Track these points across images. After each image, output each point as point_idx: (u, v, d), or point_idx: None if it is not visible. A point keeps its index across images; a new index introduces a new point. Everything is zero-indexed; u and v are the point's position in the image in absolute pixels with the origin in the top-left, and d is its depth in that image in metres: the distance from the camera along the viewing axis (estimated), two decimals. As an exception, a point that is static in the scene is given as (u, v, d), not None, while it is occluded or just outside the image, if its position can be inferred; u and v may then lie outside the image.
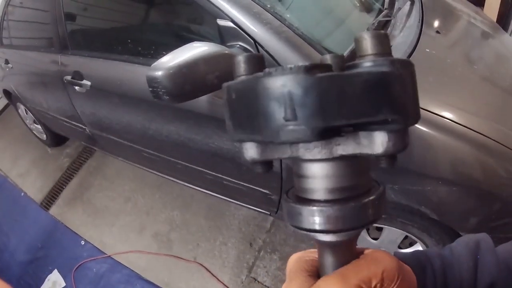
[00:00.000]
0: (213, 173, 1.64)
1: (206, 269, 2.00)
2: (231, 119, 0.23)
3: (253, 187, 1.54)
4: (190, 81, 1.00)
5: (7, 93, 3.14)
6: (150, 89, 1.03)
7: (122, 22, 1.77)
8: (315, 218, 0.22)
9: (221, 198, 1.84)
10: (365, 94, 0.20)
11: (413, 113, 0.22)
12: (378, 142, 0.21)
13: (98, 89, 1.75)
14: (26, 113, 3.18)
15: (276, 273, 1.90)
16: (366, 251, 0.27)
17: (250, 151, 0.24)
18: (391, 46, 0.23)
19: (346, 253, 0.25)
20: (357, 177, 0.23)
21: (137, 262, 2.16)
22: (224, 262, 2.01)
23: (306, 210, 0.22)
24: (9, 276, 2.50)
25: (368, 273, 0.24)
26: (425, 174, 1.07)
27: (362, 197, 0.22)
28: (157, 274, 2.08)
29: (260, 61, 0.23)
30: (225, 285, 1.93)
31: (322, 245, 0.25)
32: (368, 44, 0.21)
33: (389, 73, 0.20)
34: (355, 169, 0.23)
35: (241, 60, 0.23)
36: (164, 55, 1.03)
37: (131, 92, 1.56)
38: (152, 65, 1.01)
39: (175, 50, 1.02)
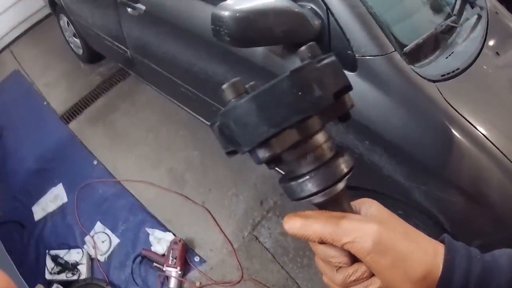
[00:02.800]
0: None
1: (212, 216, 2.55)
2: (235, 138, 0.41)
3: None
4: (255, 28, 1.41)
5: (52, 3, 3.94)
6: (213, 26, 1.45)
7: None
8: (308, 186, 0.41)
9: None
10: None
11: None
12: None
13: (151, 15, 2.30)
14: (68, 26, 4.00)
15: (278, 238, 2.39)
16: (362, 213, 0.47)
17: (262, 153, 0.41)
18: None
19: (337, 208, 0.45)
20: (323, 149, 0.43)
21: (145, 193, 2.78)
22: (231, 214, 2.54)
23: (300, 183, 0.42)
24: (12, 182, 3.32)
25: (340, 230, 0.43)
26: (451, 182, 1.47)
27: (332, 161, 0.42)
28: (162, 210, 2.67)
29: (239, 86, 0.42)
30: (226, 236, 2.47)
31: (318, 205, 0.45)
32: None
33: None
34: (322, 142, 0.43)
35: (225, 88, 0.42)
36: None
37: (187, 26, 2.08)
38: (220, 3, 1.43)
39: None
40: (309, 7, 1.50)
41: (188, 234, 2.58)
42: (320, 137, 0.43)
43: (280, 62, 1.66)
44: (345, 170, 0.43)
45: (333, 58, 0.42)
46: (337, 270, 0.46)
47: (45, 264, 2.69)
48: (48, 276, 2.65)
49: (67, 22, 3.90)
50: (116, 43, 2.93)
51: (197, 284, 2.40)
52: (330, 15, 1.46)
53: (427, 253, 0.44)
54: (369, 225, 0.43)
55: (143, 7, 2.26)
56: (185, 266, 2.48)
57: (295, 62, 1.53)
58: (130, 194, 2.85)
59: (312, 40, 1.36)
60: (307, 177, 0.42)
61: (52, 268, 2.67)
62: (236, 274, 2.41)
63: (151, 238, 2.63)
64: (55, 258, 2.70)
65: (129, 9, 2.39)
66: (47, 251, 2.75)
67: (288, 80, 0.39)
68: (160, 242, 2.58)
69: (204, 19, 1.83)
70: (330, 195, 0.44)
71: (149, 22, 2.36)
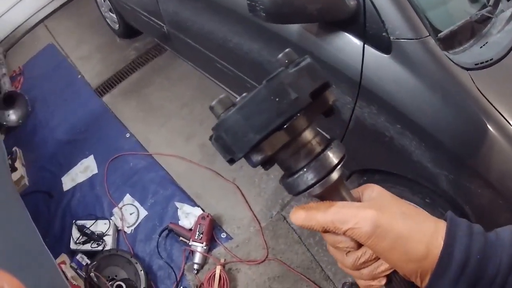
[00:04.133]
0: None
1: (241, 193, 2.92)
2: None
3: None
4: (289, 5, 1.68)
5: None
6: (248, 2, 1.73)
7: None
8: (303, 180, 0.55)
9: None
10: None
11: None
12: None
13: None
14: (104, 1, 4.50)
15: None
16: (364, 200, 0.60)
17: (265, 150, 0.53)
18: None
19: (336, 197, 0.58)
20: (313, 144, 0.56)
21: (176, 167, 3.20)
22: (261, 192, 2.91)
23: (295, 179, 0.55)
24: (42, 152, 3.83)
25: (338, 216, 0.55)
26: (478, 174, 1.68)
27: (322, 154, 0.55)
28: (191, 184, 3.07)
29: (226, 101, 0.55)
30: (254, 214, 2.84)
31: (318, 197, 0.58)
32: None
33: None
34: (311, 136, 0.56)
35: (214, 104, 0.56)
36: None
37: (223, 1, 2.43)
38: None
39: None
40: None
41: (216, 210, 2.96)
42: (308, 134, 0.56)
43: (314, 40, 1.94)
44: (336, 160, 0.56)
45: (308, 60, 0.55)
46: (346, 254, 0.58)
47: (70, 234, 3.14)
48: (73, 246, 3.09)
49: None
50: (153, 18, 3.37)
51: (222, 260, 2.76)
52: None
53: (427, 232, 0.53)
54: (366, 211, 0.54)
55: None
56: (211, 241, 2.86)
57: (330, 41, 1.86)
58: (160, 167, 3.29)
59: (347, 20, 1.77)
60: (302, 172, 0.55)
61: (78, 238, 3.11)
62: (261, 253, 2.77)
63: (179, 212, 3.04)
64: (81, 228, 3.13)
65: None
66: (74, 221, 3.19)
67: (265, 89, 0.52)
68: (188, 216, 2.98)
69: None
70: (326, 186, 0.56)
71: None
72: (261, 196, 2.93)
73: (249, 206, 2.91)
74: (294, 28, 1.96)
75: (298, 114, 0.52)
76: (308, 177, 0.55)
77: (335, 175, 0.56)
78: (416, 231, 0.52)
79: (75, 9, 5.52)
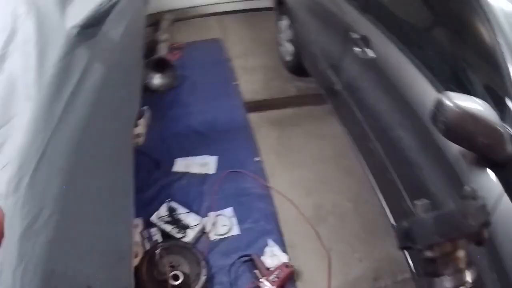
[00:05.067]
0: (411, 208, 2.62)
1: (329, 264, 3.37)
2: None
3: None
4: (465, 129, 1.80)
5: (279, 1, 5.12)
6: (433, 109, 1.85)
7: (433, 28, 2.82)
8: (442, 284, 0.90)
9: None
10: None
11: None
12: None
13: (377, 67, 2.99)
14: (287, 30, 5.08)
15: None
16: None
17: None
18: None
19: None
20: (460, 261, 0.91)
21: (286, 210, 3.75)
22: (346, 273, 3.34)
23: (439, 281, 0.90)
24: (171, 127, 4.52)
25: None
26: None
27: (463, 271, 0.91)
28: (292, 232, 3.60)
29: (427, 206, 0.93)
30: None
31: None
32: None
33: None
34: None
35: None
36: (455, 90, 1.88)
37: (406, 94, 2.70)
38: (447, 92, 1.82)
39: (470, 96, 1.83)
40: (510, 133, 1.91)
41: (300, 266, 3.36)
42: (461, 253, 0.84)
43: (466, 169, 2.09)
44: (469, 279, 0.85)
45: (483, 202, 0.85)
46: None
47: (157, 209, 3.65)
48: (153, 219, 3.57)
49: (288, 25, 5.01)
50: (330, 71, 3.83)
51: None
52: None
53: None
54: None
55: (373, 55, 2.93)
56: (280, 289, 3.26)
57: (478, 176, 2.03)
58: (272, 202, 3.79)
59: (500, 162, 2.04)
60: (446, 277, 0.84)
61: (163, 216, 3.60)
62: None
63: (266, 249, 3.46)
64: (172, 210, 3.63)
65: (356, 49, 3.16)
66: (169, 199, 3.72)
67: (457, 210, 0.85)
68: (272, 257, 3.39)
69: (423, 96, 2.46)
70: None
71: (372, 71, 3.01)
72: (344, 276, 3.31)
73: (329, 279, 3.29)
74: (455, 149, 2.14)
75: (467, 236, 0.82)
76: (448, 283, 0.83)
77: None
78: None
79: (253, 21, 6.29)
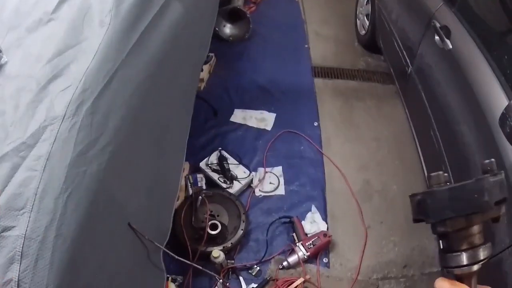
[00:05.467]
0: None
1: (365, 242, 3.37)
2: None
3: None
4: None
5: None
6: (504, 113, 2.09)
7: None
8: (457, 260, 0.80)
9: None
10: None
11: None
12: None
13: (453, 57, 2.93)
14: (366, 4, 4.99)
15: None
16: None
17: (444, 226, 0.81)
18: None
19: (468, 284, 0.80)
20: (476, 237, 0.81)
21: (335, 180, 3.76)
22: (378, 254, 3.33)
23: (452, 256, 0.81)
24: (235, 78, 4.54)
25: None
26: None
27: (478, 247, 0.80)
28: (335, 203, 3.61)
29: (442, 177, 0.83)
30: (360, 264, 3.25)
31: (455, 277, 0.82)
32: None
33: None
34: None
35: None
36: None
37: (477, 94, 2.59)
38: None
39: None
40: None
41: (337, 237, 3.37)
42: (476, 228, 0.79)
43: None
44: (483, 256, 0.78)
45: (502, 176, 0.78)
46: None
47: (207, 156, 3.67)
48: (202, 165, 3.61)
49: (368, 1, 4.93)
50: (404, 53, 3.76)
51: (307, 277, 3.11)
52: None
53: None
54: None
55: (450, 46, 2.89)
56: (313, 256, 3.23)
57: None
58: (323, 169, 3.78)
59: None
60: (459, 253, 0.79)
61: (212, 163, 3.62)
62: (339, 297, 3.18)
63: (308, 215, 3.47)
64: (222, 159, 3.65)
65: (436, 38, 3.09)
66: (220, 148, 3.72)
67: (472, 185, 0.77)
68: (312, 224, 3.41)
69: (494, 99, 2.40)
70: (468, 271, 0.79)
71: (447, 62, 3.02)
72: (376, 256, 3.30)
73: (362, 256, 3.29)
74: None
75: (482, 212, 0.76)
76: (461, 259, 0.78)
77: (476, 267, 0.78)
78: None
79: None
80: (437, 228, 0.81)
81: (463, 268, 0.80)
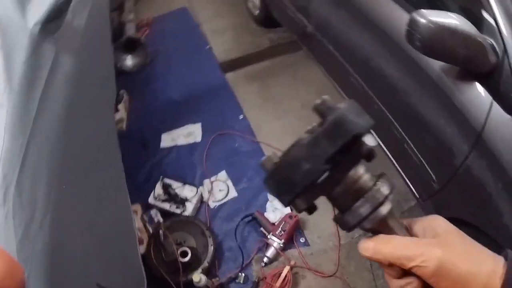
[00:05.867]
0: (403, 133, 2.69)
1: (333, 206, 3.17)
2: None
3: (426, 165, 2.54)
4: (443, 43, 1.84)
5: None
6: (408, 29, 2.02)
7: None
8: (355, 215, 0.65)
9: (387, 156, 2.92)
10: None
11: None
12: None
13: (343, 2, 2.98)
14: None
15: None
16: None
17: (300, 203, 0.65)
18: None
19: (388, 231, 0.67)
20: (360, 183, 0.66)
21: None
22: None
23: (347, 215, 0.66)
24: (150, 104, 4.35)
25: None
26: None
27: (370, 190, 0.65)
28: None
29: (274, 157, 0.66)
30: (337, 229, 3.16)
31: (371, 231, 0.70)
32: None
33: None
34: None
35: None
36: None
37: (378, 21, 2.70)
38: (420, 10, 1.86)
39: (445, 12, 1.89)
40: (490, 43, 1.95)
41: (304, 214, 3.23)
42: (354, 174, 0.66)
43: (450, 83, 2.15)
44: (384, 194, 0.65)
45: (336, 115, 0.63)
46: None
47: (152, 189, 3.51)
48: (151, 200, 3.46)
49: None
50: (299, 15, 3.70)
51: (292, 262, 3.02)
52: (506, 56, 1.89)
53: (485, 273, 0.59)
54: (433, 250, 0.61)
55: None
56: (289, 242, 3.15)
57: (463, 89, 2.09)
58: (264, 156, 3.61)
59: (485, 73, 2.04)
60: (352, 208, 0.65)
61: (159, 195, 3.47)
62: (331, 268, 3.04)
63: (268, 205, 3.37)
64: (166, 186, 3.50)
65: None
66: (161, 177, 3.57)
67: (284, 162, 0.64)
68: (275, 211, 3.31)
69: (395, 20, 2.48)
70: (376, 220, 0.65)
71: (341, 6, 3.04)
72: None
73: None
74: (435, 66, 2.20)
75: (326, 175, 0.62)
76: (358, 212, 0.65)
77: (384, 209, 0.66)
78: (476, 272, 0.59)
79: (215, -18, 6.07)
80: (297, 207, 0.68)
81: (369, 219, 0.65)
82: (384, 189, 0.66)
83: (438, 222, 0.67)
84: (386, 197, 0.66)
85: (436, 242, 0.63)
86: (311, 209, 0.70)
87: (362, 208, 0.65)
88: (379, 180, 0.67)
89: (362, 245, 0.68)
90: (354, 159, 0.65)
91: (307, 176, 0.62)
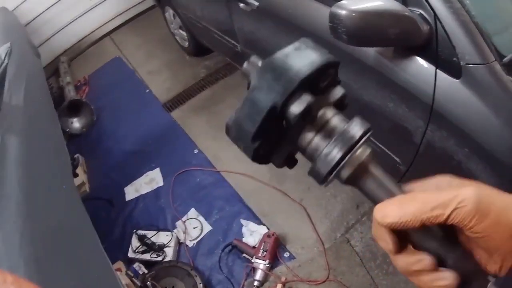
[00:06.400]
0: None
1: (308, 214, 3.19)
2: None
3: (387, 150, 2.56)
4: (369, 28, 1.78)
5: None
6: (330, 24, 1.97)
7: None
8: (328, 159, 0.53)
9: None
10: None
11: None
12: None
13: (265, 11, 2.95)
14: (173, 18, 4.92)
15: (368, 242, 3.04)
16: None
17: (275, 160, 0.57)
18: None
19: (374, 183, 0.56)
20: (331, 124, 0.56)
21: (244, 185, 3.54)
22: (327, 214, 3.22)
23: (319, 160, 0.53)
24: (107, 161, 4.25)
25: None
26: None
27: (344, 129, 0.54)
28: (259, 203, 3.39)
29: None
30: (319, 236, 3.12)
31: (351, 182, 0.57)
32: None
33: None
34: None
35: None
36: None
37: (301, 23, 2.69)
38: (337, 3, 1.78)
39: None
40: (418, 13, 1.91)
41: (282, 229, 3.23)
42: (320, 118, 0.56)
43: (389, 65, 2.10)
44: (356, 134, 0.53)
45: (267, 61, 0.57)
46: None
47: (129, 243, 3.44)
48: (131, 255, 3.38)
49: (173, 14, 4.84)
50: (226, 38, 3.71)
51: (283, 279, 2.99)
52: (438, 21, 1.86)
53: None
54: (466, 189, 0.51)
55: (256, 3, 2.89)
56: (274, 260, 3.11)
57: (404, 66, 2.05)
58: (228, 184, 3.61)
59: (421, 45, 2.01)
60: (322, 153, 0.53)
61: (137, 247, 3.40)
62: (322, 274, 3.00)
63: (244, 230, 3.32)
64: (141, 238, 3.43)
65: (241, 4, 3.06)
66: (134, 230, 3.50)
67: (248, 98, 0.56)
68: (252, 234, 3.26)
69: (319, 18, 2.46)
70: (354, 166, 0.54)
71: (262, 18, 3.01)
72: (326, 218, 3.19)
73: (314, 227, 3.17)
74: (370, 52, 2.16)
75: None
76: (329, 157, 0.52)
77: (361, 153, 0.54)
78: None
79: (142, 25, 6.08)
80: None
81: (344, 166, 0.54)
82: (356, 129, 0.54)
83: (449, 178, 0.58)
84: (360, 138, 0.54)
85: (462, 185, 0.54)
86: (290, 162, 0.61)
87: (333, 151, 0.53)
88: (352, 120, 0.55)
89: (381, 211, 0.54)
90: (323, 102, 0.57)
91: (260, 112, 0.53)
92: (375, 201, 0.57)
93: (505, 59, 1.79)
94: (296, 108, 0.52)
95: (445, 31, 1.84)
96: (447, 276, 0.53)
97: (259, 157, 0.57)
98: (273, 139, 0.56)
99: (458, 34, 1.81)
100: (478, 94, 1.79)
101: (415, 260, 0.54)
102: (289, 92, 0.52)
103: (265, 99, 0.53)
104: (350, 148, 0.52)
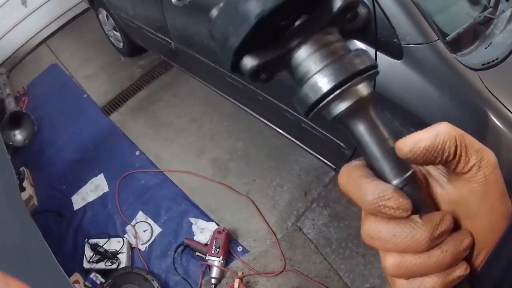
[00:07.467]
0: (295, 113, 2.61)
1: (256, 206, 2.99)
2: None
3: (331, 136, 2.47)
4: None
5: None
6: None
7: None
8: (319, 84, 0.39)
9: (291, 140, 2.80)
10: None
11: None
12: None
13: (197, 6, 2.77)
14: (107, 19, 4.64)
15: (321, 229, 2.89)
16: None
17: (249, 61, 0.41)
18: None
19: (376, 128, 0.40)
20: (334, 47, 0.41)
21: (189, 183, 3.30)
22: (275, 204, 3.01)
23: (310, 84, 0.40)
24: (51, 172, 3.95)
25: None
26: None
27: (346, 55, 0.39)
28: (205, 199, 3.16)
29: None
30: (270, 227, 2.93)
31: (340, 120, 0.41)
32: None
33: None
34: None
35: None
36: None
37: None
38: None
39: None
40: None
41: (231, 224, 3.04)
42: (322, 37, 0.41)
43: None
44: (361, 65, 0.40)
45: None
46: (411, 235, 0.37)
47: (83, 253, 3.21)
48: (86, 265, 3.15)
49: (106, 15, 4.56)
50: (159, 35, 3.49)
51: (239, 274, 2.83)
52: (375, 3, 1.79)
53: None
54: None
55: None
56: (228, 255, 2.94)
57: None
58: (173, 183, 3.39)
59: (359, 28, 1.87)
60: (315, 76, 0.40)
61: (91, 257, 3.17)
62: (279, 265, 2.86)
63: (194, 228, 3.13)
64: (94, 247, 3.20)
65: (173, 0, 2.83)
66: (86, 240, 3.26)
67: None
68: (203, 231, 3.07)
69: None
70: (354, 99, 0.40)
71: (195, 13, 2.85)
72: (275, 208, 3.02)
73: (264, 219, 3.00)
74: None
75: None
76: (322, 80, 0.39)
77: (362, 88, 0.40)
78: None
79: (77, 29, 5.69)
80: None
81: (338, 97, 0.39)
82: (361, 59, 0.40)
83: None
84: (364, 70, 0.39)
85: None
86: (267, 73, 0.45)
87: (326, 77, 0.39)
88: (357, 51, 0.41)
89: (411, 139, 0.37)
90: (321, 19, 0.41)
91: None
92: (366, 153, 0.42)
93: (448, 37, 1.77)
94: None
95: (384, 13, 1.76)
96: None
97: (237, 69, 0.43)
98: (259, 53, 0.42)
99: (397, 15, 1.74)
100: (421, 73, 1.75)
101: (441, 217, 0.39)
102: None
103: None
104: (350, 78, 0.39)
